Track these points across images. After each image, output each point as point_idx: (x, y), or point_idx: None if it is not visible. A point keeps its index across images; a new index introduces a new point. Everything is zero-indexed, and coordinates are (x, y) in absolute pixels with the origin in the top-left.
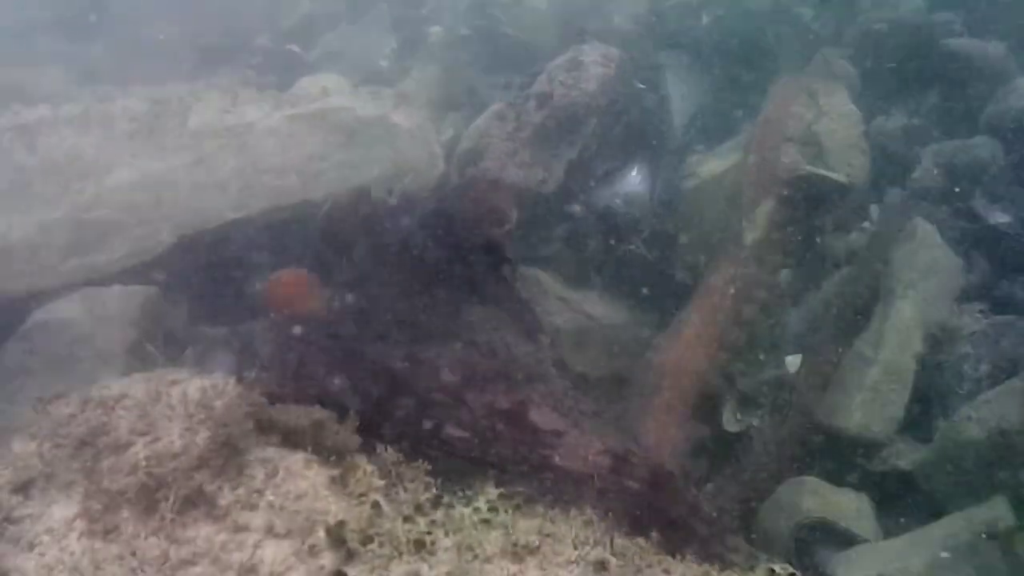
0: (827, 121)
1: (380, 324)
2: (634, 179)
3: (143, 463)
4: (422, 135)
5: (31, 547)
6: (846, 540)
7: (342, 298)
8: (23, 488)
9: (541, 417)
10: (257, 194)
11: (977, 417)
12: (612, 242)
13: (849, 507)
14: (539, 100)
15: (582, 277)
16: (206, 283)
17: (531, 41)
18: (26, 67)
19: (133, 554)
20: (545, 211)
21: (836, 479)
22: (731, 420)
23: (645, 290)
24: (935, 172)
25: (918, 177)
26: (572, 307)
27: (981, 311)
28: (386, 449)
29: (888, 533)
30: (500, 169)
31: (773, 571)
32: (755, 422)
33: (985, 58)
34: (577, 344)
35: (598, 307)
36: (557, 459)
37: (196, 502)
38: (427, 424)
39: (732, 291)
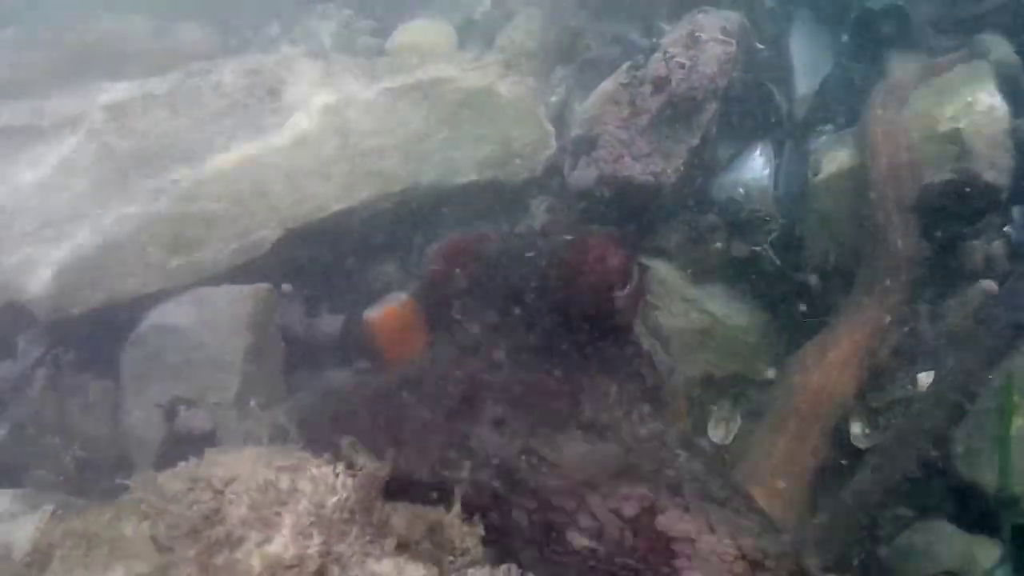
0: (972, 116)
1: (496, 403)
2: (756, 165)
3: (257, 566)
4: (530, 109)
5: None
6: None
7: (448, 368)
8: None
9: (671, 521)
10: (362, 180)
11: None
12: (738, 242)
13: (984, 558)
14: (655, 85)
15: (705, 272)
16: (316, 277)
17: None
18: (110, 17)
19: None
20: (665, 202)
21: (967, 523)
22: (859, 436)
23: (771, 292)
24: None
25: None
26: (696, 307)
27: None
28: (509, 572)
29: None
30: (615, 161)
31: None
32: (883, 440)
33: None
34: (700, 344)
35: (721, 306)
36: (688, 571)
37: None
38: (548, 532)
39: (886, 315)
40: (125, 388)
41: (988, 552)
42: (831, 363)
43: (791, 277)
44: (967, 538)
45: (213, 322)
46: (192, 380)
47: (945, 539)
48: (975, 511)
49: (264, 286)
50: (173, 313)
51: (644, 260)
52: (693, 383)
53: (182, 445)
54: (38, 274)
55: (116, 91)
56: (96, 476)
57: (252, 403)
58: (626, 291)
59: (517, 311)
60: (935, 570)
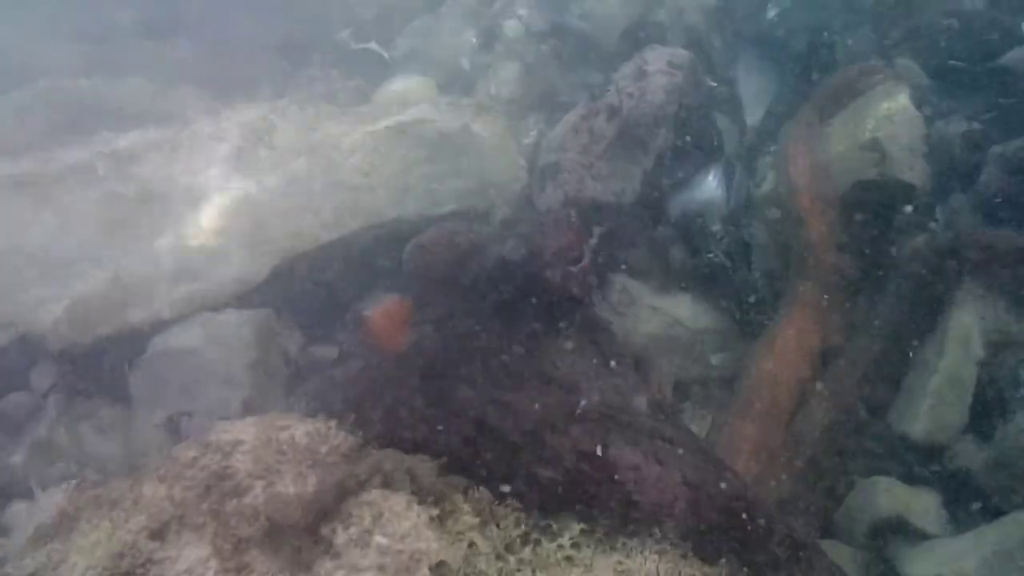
0: (890, 127)
1: (467, 364)
2: (709, 185)
3: (263, 507)
4: (503, 145)
5: None
6: (918, 536)
7: (429, 337)
8: (159, 532)
9: (620, 454)
10: (349, 213)
11: None
12: (692, 250)
13: (919, 505)
14: (609, 113)
15: (670, 284)
16: (310, 304)
17: (602, 37)
18: (111, 80)
19: None
20: (626, 221)
21: (907, 477)
22: None
23: (727, 295)
24: (999, 174)
25: (984, 180)
26: (661, 314)
27: None
28: (478, 489)
29: (959, 529)
30: (578, 183)
31: None
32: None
33: None
34: (667, 349)
35: (686, 313)
36: (636, 494)
37: (314, 542)
38: (514, 466)
39: (823, 302)
40: (136, 410)
41: (921, 499)
42: (780, 351)
43: (742, 279)
44: (905, 489)
45: (220, 342)
46: (200, 396)
47: (885, 492)
48: (912, 463)
49: (265, 311)
50: (180, 336)
51: (611, 275)
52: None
53: None
54: (50, 309)
55: (118, 140)
56: None
57: None
58: (580, 265)
59: (488, 286)
60: (876, 517)
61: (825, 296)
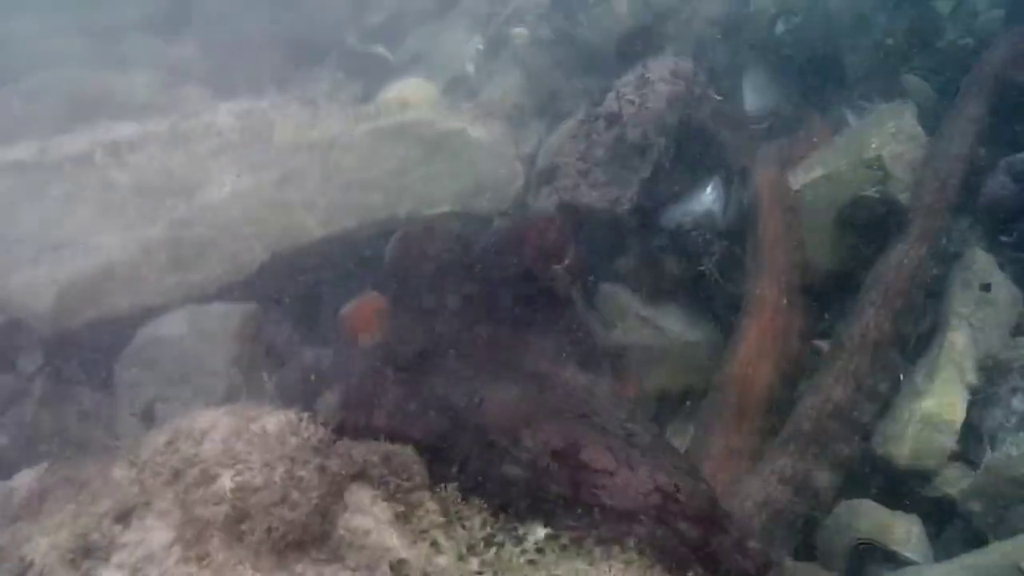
0: (894, 145)
1: (443, 359)
2: (707, 198)
3: (229, 496)
4: (501, 149)
5: (135, 572)
6: (897, 562)
7: (407, 332)
8: (124, 516)
9: (592, 456)
10: (344, 210)
11: (1019, 454)
12: (684, 262)
13: (900, 530)
14: (608, 120)
15: (660, 294)
16: (300, 300)
17: (608, 47)
18: (117, 73)
19: None
20: (621, 230)
21: (891, 502)
22: None
23: (718, 308)
24: (1006, 183)
25: (990, 188)
26: (651, 325)
27: None
28: (445, 488)
29: (940, 556)
30: (573, 189)
31: None
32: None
33: None
34: (657, 360)
35: (676, 324)
36: (606, 498)
37: (277, 533)
38: (485, 462)
39: (786, 301)
40: (120, 396)
41: (903, 524)
42: (745, 354)
43: (732, 291)
44: (885, 512)
45: (204, 333)
46: (183, 385)
47: (865, 514)
48: (893, 487)
49: (251, 305)
50: (167, 326)
51: (600, 283)
52: (650, 398)
53: None
54: (41, 293)
55: (117, 130)
56: None
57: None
58: (564, 264)
59: (470, 280)
60: (855, 541)
61: (785, 298)
